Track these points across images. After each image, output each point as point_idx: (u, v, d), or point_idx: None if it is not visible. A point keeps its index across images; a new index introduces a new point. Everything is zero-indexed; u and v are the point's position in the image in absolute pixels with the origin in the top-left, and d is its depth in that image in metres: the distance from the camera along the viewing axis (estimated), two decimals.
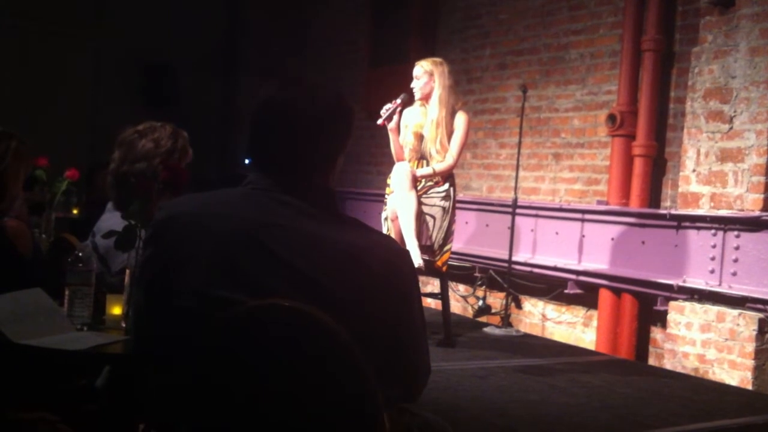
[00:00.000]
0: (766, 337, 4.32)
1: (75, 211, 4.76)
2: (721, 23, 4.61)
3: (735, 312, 4.40)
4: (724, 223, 4.56)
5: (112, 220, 2.59)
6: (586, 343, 5.43)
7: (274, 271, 1.51)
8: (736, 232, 4.51)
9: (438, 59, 4.62)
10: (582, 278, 5.41)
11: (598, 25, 5.66)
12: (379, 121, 4.52)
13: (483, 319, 5.83)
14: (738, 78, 4.50)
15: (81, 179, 4.07)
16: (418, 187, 4.42)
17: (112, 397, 2.27)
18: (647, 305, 5.08)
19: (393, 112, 4.51)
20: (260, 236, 1.53)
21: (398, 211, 4.34)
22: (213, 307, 1.48)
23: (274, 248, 1.52)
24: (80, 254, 2.18)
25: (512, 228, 5.32)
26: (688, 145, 4.77)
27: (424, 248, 4.39)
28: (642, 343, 5.21)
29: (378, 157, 7.25)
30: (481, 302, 6.05)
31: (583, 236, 5.47)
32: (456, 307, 6.22)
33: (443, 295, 4.59)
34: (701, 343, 4.53)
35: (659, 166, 5.22)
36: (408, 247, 4.14)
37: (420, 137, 4.53)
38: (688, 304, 4.65)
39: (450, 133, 4.50)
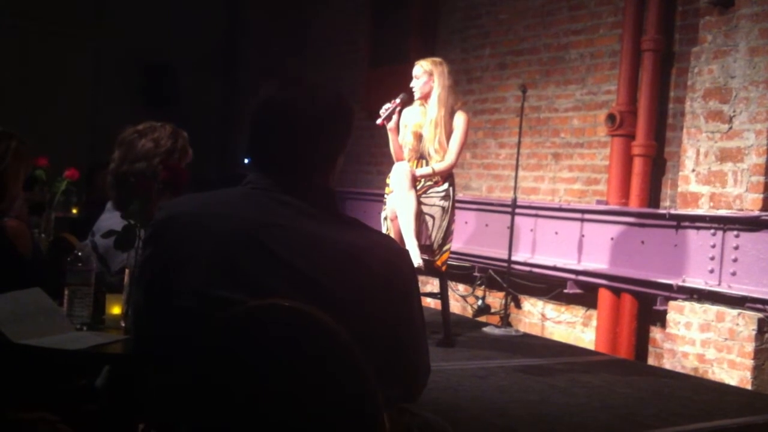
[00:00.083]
0: (765, 337, 4.32)
1: (75, 211, 4.76)
2: (721, 23, 4.61)
3: (734, 312, 4.40)
4: (723, 223, 4.56)
5: (111, 219, 2.59)
6: (586, 343, 5.43)
7: (274, 271, 1.51)
8: (735, 232, 4.52)
9: (437, 59, 4.62)
10: (581, 278, 5.41)
11: (598, 25, 5.66)
12: (379, 121, 4.52)
13: (482, 318, 5.83)
14: (737, 78, 4.50)
15: (81, 179, 4.07)
16: (418, 187, 4.42)
17: (112, 397, 2.27)
18: (647, 305, 5.08)
19: (392, 112, 4.50)
20: (260, 236, 1.53)
21: (398, 210, 4.34)
22: (213, 307, 1.48)
23: (274, 248, 1.52)
24: (80, 254, 2.18)
25: (512, 228, 5.32)
26: (687, 145, 4.77)
27: (424, 248, 4.39)
28: (641, 342, 5.21)
29: (377, 157, 7.25)
30: (480, 302, 6.05)
31: (583, 236, 5.47)
32: (455, 306, 6.22)
33: (443, 295, 4.59)
34: (701, 343, 4.53)
35: (659, 166, 5.22)
36: (407, 247, 4.14)
37: (419, 137, 4.53)
38: (687, 304, 4.65)
39: (449, 133, 4.50)
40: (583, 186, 5.70)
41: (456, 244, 5.42)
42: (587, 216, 5.45)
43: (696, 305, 4.60)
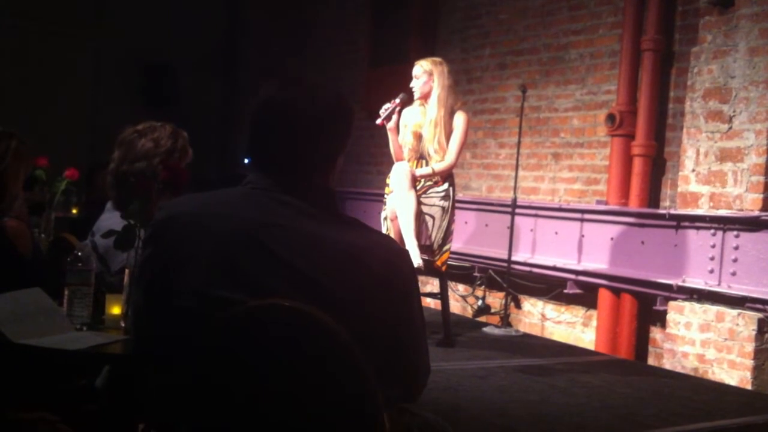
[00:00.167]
0: (765, 337, 4.32)
1: (74, 211, 4.76)
2: (721, 23, 4.61)
3: (734, 312, 4.40)
4: (723, 223, 4.56)
5: (111, 219, 2.59)
6: (586, 343, 5.43)
7: (274, 271, 1.51)
8: (735, 232, 4.52)
9: (437, 59, 4.62)
10: (581, 278, 5.41)
11: (598, 25, 5.66)
12: (378, 121, 4.52)
13: (482, 318, 5.83)
14: (737, 78, 4.51)
15: (81, 179, 4.07)
16: (418, 187, 4.42)
17: (112, 397, 2.27)
18: (647, 305, 5.08)
19: (392, 112, 4.50)
20: (260, 236, 1.53)
21: (397, 210, 4.34)
22: (213, 307, 1.48)
23: (274, 248, 1.52)
24: (80, 254, 2.18)
25: (511, 228, 5.32)
26: (687, 145, 4.77)
27: (424, 248, 4.39)
28: (641, 342, 5.21)
29: (377, 157, 7.25)
30: (480, 302, 6.05)
31: (583, 236, 5.47)
32: (455, 306, 6.22)
33: (443, 295, 4.59)
34: (701, 343, 4.53)
35: (658, 166, 5.22)
36: (407, 247, 4.14)
37: (419, 137, 4.53)
38: (687, 304, 4.65)
39: (449, 133, 4.50)
40: (583, 186, 5.70)
41: (456, 244, 5.42)
42: (587, 216, 5.45)
43: (696, 305, 4.60)
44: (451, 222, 4.51)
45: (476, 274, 6.19)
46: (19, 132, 2.54)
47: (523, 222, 5.78)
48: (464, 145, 4.60)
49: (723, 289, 4.53)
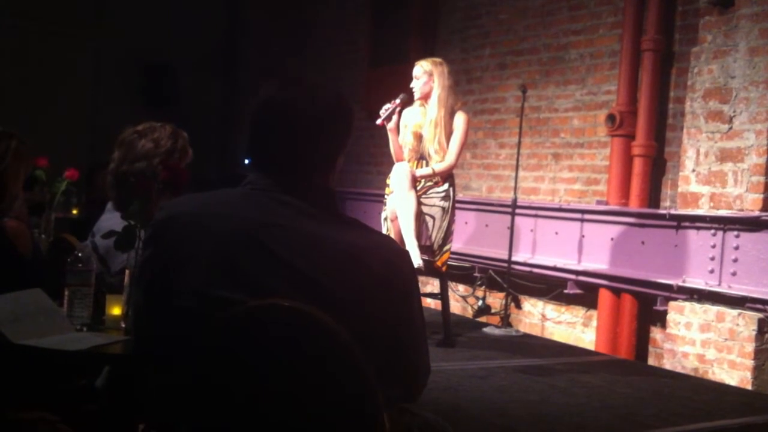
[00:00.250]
0: (765, 337, 4.32)
1: (75, 212, 4.76)
2: (721, 23, 4.61)
3: (734, 312, 4.40)
4: (723, 223, 4.56)
5: (111, 220, 2.59)
6: (586, 343, 5.43)
7: (274, 271, 1.51)
8: (735, 232, 4.52)
9: (438, 59, 4.62)
10: (581, 278, 5.41)
11: (598, 25, 5.66)
12: (378, 121, 4.52)
13: (483, 319, 5.83)
14: (737, 78, 4.50)
15: (81, 179, 4.07)
16: (418, 188, 4.42)
17: (112, 397, 2.27)
18: (647, 305, 5.08)
19: (392, 112, 4.50)
20: (260, 236, 1.53)
21: (398, 211, 4.34)
22: (213, 307, 1.48)
23: (274, 248, 1.52)
24: (80, 254, 2.18)
25: (512, 228, 5.32)
26: (687, 145, 4.77)
27: (424, 248, 4.39)
28: (641, 343, 5.21)
29: (378, 157, 7.25)
30: (480, 302, 6.05)
31: (583, 236, 5.47)
32: (456, 307, 6.22)
33: (443, 295, 4.59)
34: (701, 343, 4.53)
35: (659, 166, 5.22)
36: (407, 247, 4.14)
37: (419, 137, 4.53)
38: (687, 304, 4.65)
39: (449, 134, 4.50)
40: (583, 186, 5.70)
41: (456, 245, 5.42)
42: (587, 216, 5.45)
43: (696, 305, 4.60)
44: (451, 222, 4.51)
45: (476, 274, 6.19)
46: (19, 132, 2.54)
47: (523, 222, 5.77)
48: (464, 146, 4.60)
49: (723, 289, 4.53)
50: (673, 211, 4.86)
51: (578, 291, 5.47)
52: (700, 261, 4.68)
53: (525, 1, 6.23)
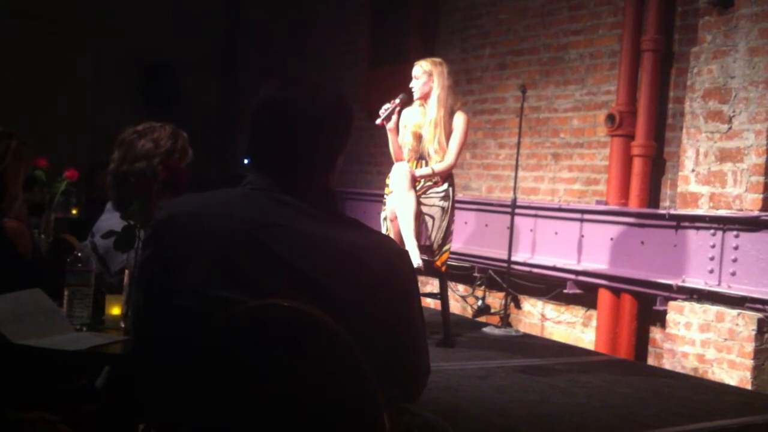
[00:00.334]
0: (765, 337, 4.32)
1: (74, 212, 4.76)
2: (720, 23, 4.61)
3: (734, 312, 4.40)
4: (723, 223, 4.56)
5: (111, 220, 2.59)
6: (586, 343, 5.43)
7: (274, 271, 1.51)
8: (735, 232, 4.52)
9: (437, 59, 4.62)
10: (581, 278, 5.42)
11: (598, 25, 5.66)
12: (378, 121, 4.51)
13: (482, 319, 5.83)
14: (737, 78, 4.51)
15: (81, 179, 4.07)
16: (417, 187, 4.42)
17: (112, 397, 2.27)
18: (646, 305, 5.08)
19: (392, 112, 4.50)
20: (260, 236, 1.53)
21: (397, 211, 4.34)
22: (213, 307, 1.48)
23: (274, 248, 1.52)
24: (79, 254, 2.18)
25: (511, 228, 5.32)
26: (687, 145, 4.77)
27: (423, 248, 4.39)
28: (641, 343, 5.21)
29: (377, 157, 7.25)
30: (480, 302, 6.05)
31: (583, 236, 5.47)
32: (455, 307, 6.22)
33: (442, 295, 4.59)
34: (700, 343, 4.53)
35: (658, 166, 5.22)
36: (407, 247, 4.15)
37: (419, 137, 4.53)
38: (687, 304, 4.65)
39: (449, 134, 4.50)
40: (583, 186, 5.70)
41: (456, 245, 5.42)
42: (587, 216, 5.45)
43: (696, 305, 4.60)
44: (450, 222, 4.51)
45: (476, 274, 6.19)
46: (19, 132, 2.54)
47: (522, 222, 5.77)
48: (464, 146, 4.60)
49: (723, 289, 4.54)
50: (672, 211, 4.86)
51: (578, 291, 5.47)
52: (700, 261, 4.68)
53: (525, 1, 6.23)
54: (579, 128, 5.76)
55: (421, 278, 4.99)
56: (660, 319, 5.01)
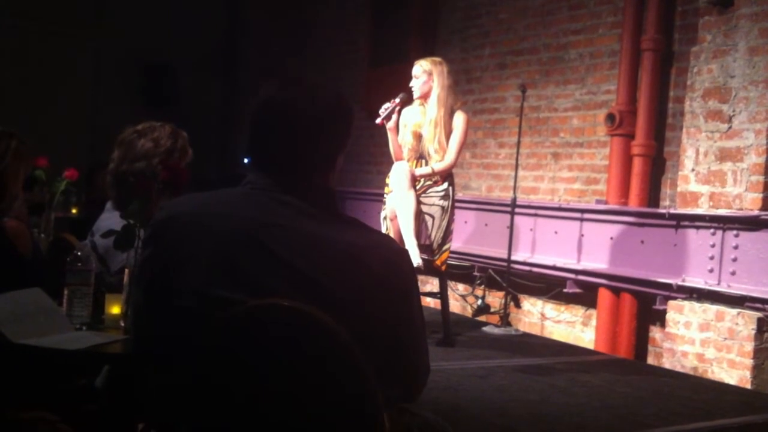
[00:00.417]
0: (765, 336, 4.32)
1: (74, 211, 4.76)
2: (720, 23, 4.61)
3: (734, 311, 4.40)
4: (723, 223, 4.56)
5: (111, 219, 2.59)
6: (585, 343, 5.44)
7: (274, 271, 1.51)
8: (735, 232, 4.52)
9: (437, 59, 4.62)
10: (581, 277, 5.42)
11: (598, 24, 5.66)
12: (378, 120, 4.51)
13: (482, 318, 5.84)
14: (737, 77, 4.51)
15: (81, 179, 4.07)
16: (417, 187, 4.42)
17: (112, 396, 2.27)
18: (646, 304, 5.08)
19: (392, 112, 4.50)
20: (260, 236, 1.53)
21: (397, 210, 4.34)
22: (213, 307, 1.48)
23: (274, 248, 1.52)
24: (79, 254, 2.18)
25: (511, 227, 5.32)
26: (687, 145, 4.77)
27: (423, 247, 4.39)
28: (641, 342, 5.21)
29: (377, 157, 7.25)
30: (480, 301, 6.05)
31: (582, 235, 5.47)
32: (455, 306, 6.22)
33: (442, 295, 4.59)
34: (700, 342, 4.53)
35: (658, 166, 5.23)
36: (407, 247, 4.14)
37: (419, 137, 4.53)
38: (687, 304, 4.65)
39: (449, 133, 4.50)
40: (583, 185, 5.70)
41: (456, 244, 5.42)
42: (587, 215, 5.45)
43: (695, 305, 4.60)
44: (450, 221, 4.51)
45: (476, 273, 6.19)
46: (19, 132, 2.54)
47: (522, 221, 5.78)
48: (464, 145, 4.60)
49: (722, 288, 4.54)
50: (672, 211, 4.86)
51: (578, 290, 5.47)
52: (700, 260, 4.68)
53: (525, 0, 6.23)
54: (579, 128, 5.77)
55: (421, 277, 4.99)
56: (660, 319, 5.01)
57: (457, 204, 4.71)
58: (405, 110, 4.60)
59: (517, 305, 6.03)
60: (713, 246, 4.61)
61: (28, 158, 2.60)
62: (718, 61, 4.60)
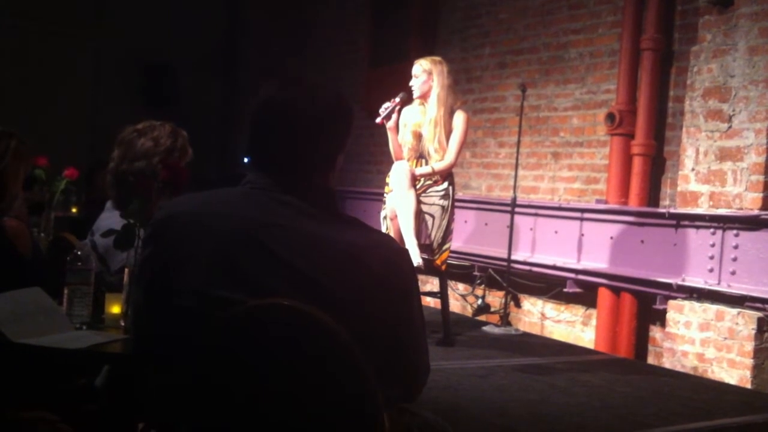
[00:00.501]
0: (765, 336, 4.32)
1: (74, 211, 4.76)
2: (720, 22, 4.61)
3: (734, 311, 4.40)
4: (723, 222, 4.56)
5: (111, 219, 2.59)
6: (585, 342, 5.44)
7: (274, 270, 1.51)
8: (735, 231, 4.52)
9: (437, 58, 4.62)
10: (581, 277, 5.42)
11: (598, 24, 5.66)
12: (378, 120, 4.51)
13: (482, 317, 5.84)
14: (737, 77, 4.51)
15: (80, 178, 4.07)
16: (417, 186, 4.42)
17: (112, 396, 2.27)
18: (646, 304, 5.08)
19: (392, 111, 4.50)
20: (260, 236, 1.53)
21: (397, 209, 4.34)
22: (213, 307, 1.48)
23: (274, 248, 1.52)
24: (79, 253, 2.18)
25: (511, 227, 5.32)
26: (687, 144, 4.77)
27: (423, 247, 4.39)
28: (641, 341, 5.21)
29: (377, 156, 7.25)
30: (480, 301, 6.05)
31: (582, 235, 5.47)
32: (455, 305, 6.22)
33: (442, 294, 4.59)
34: (700, 342, 4.53)
35: (658, 165, 5.23)
36: (407, 246, 4.14)
37: (419, 136, 4.53)
38: (687, 303, 4.65)
39: (449, 132, 4.50)
40: (583, 185, 5.70)
41: (456, 243, 5.42)
42: (587, 215, 5.45)
43: (696, 304, 4.60)
44: (450, 221, 4.51)
45: (476, 273, 6.19)
46: (19, 132, 2.54)
47: (522, 221, 5.78)
48: (464, 145, 4.60)
49: (723, 288, 4.54)
50: (672, 210, 4.86)
51: (578, 290, 5.47)
52: (700, 260, 4.68)
53: (525, 0, 6.23)
54: (579, 127, 5.77)
55: (421, 277, 4.99)
56: (660, 318, 5.01)
57: (457, 203, 4.71)
58: (405, 110, 4.60)
59: (517, 305, 6.03)
60: (713, 246, 4.61)
61: (28, 158, 2.60)
62: (718, 60, 4.60)
